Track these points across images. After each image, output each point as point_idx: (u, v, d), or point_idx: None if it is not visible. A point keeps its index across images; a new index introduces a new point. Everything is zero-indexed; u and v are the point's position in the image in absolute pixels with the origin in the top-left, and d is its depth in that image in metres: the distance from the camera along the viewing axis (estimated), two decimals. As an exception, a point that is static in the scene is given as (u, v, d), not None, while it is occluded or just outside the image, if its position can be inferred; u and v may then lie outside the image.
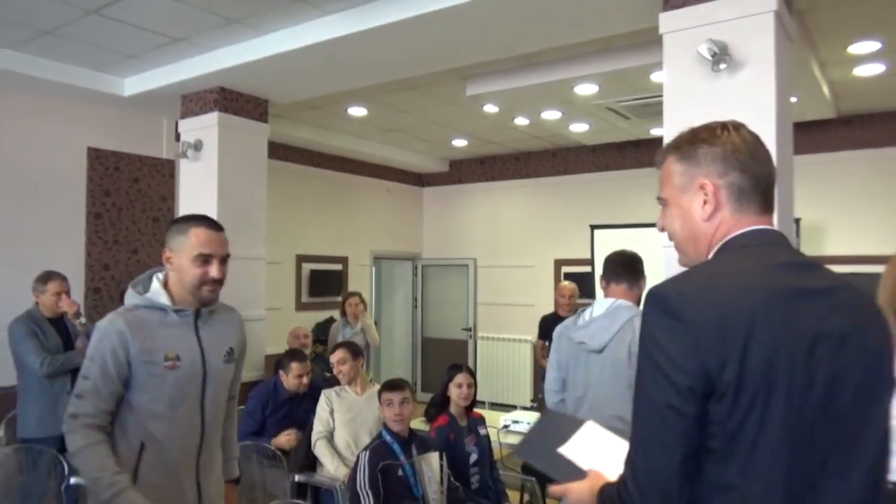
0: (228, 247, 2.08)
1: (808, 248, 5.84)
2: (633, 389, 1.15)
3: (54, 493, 3.58)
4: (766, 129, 2.90)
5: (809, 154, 5.94)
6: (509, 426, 4.28)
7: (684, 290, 1.11)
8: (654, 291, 1.13)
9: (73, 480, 3.59)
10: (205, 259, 2.00)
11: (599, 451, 1.39)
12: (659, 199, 1.31)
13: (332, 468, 3.59)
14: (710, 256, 1.21)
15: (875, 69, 4.94)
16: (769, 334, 1.05)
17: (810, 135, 6.04)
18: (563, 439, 1.43)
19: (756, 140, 1.22)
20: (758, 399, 1.04)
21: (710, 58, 2.92)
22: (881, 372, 1.12)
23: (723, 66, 2.93)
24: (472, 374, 3.67)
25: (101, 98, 5.29)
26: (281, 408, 4.08)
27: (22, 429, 3.77)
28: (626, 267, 2.91)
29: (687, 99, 3.10)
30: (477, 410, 3.74)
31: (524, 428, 4.14)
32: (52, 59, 4.80)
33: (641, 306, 1.16)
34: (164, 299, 2.01)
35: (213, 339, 2.08)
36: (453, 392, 3.55)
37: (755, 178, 1.19)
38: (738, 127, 1.23)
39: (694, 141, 1.24)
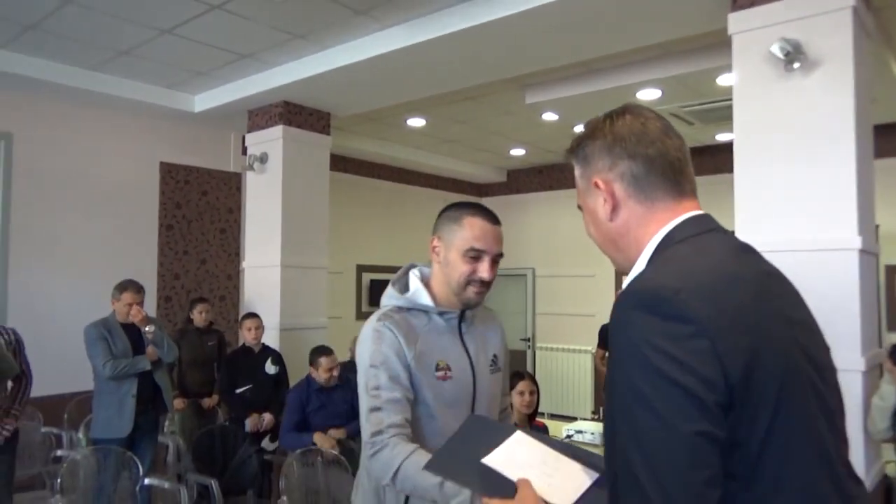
0: (503, 244, 1.78)
1: (888, 256, 5.56)
2: (619, 419, 0.90)
3: (129, 492, 3.71)
4: (845, 130, 2.79)
5: (889, 158, 5.67)
6: (572, 436, 4.21)
7: (678, 286, 0.89)
8: (638, 292, 0.93)
9: (147, 481, 3.72)
10: (476, 255, 1.72)
11: (531, 462, 1.21)
12: (579, 207, 1.21)
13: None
14: (647, 253, 1.05)
15: (960, 67, 4.68)
16: (772, 325, 0.93)
17: (890, 137, 5.76)
18: (489, 448, 1.24)
19: (644, 119, 1.08)
20: (781, 406, 0.88)
21: (782, 57, 2.82)
22: (829, 358, 1.03)
23: (796, 65, 2.83)
24: (535, 381, 3.64)
25: (172, 114, 5.52)
26: (316, 400, 4.18)
27: (93, 430, 3.93)
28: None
29: (758, 101, 3.01)
30: (539, 420, 3.70)
31: (588, 438, 4.07)
32: (128, 78, 5.04)
33: (616, 320, 0.93)
34: (426, 300, 1.77)
35: (478, 345, 1.83)
36: (516, 400, 3.52)
37: (647, 160, 1.05)
38: (623, 112, 1.10)
39: (581, 140, 1.15)
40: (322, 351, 4.31)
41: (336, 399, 4.25)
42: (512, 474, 1.16)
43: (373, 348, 1.67)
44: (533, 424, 3.56)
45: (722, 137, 6.46)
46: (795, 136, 2.91)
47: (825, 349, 1.03)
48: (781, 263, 1.09)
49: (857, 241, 2.73)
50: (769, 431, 0.88)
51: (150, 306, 5.42)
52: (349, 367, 4.74)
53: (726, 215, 3.53)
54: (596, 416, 6.95)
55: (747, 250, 1.05)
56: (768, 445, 0.88)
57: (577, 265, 8.25)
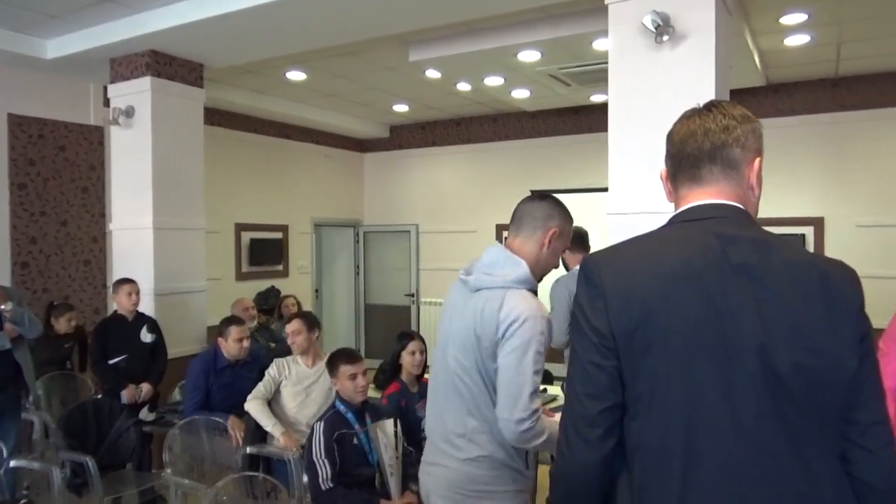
0: None
1: (738, 212, 6.09)
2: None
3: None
4: (706, 98, 3.00)
5: (740, 121, 6.17)
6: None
7: (604, 260, 1.26)
8: (584, 260, 1.29)
9: (13, 463, 3.48)
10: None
11: None
12: None
13: (269, 426, 3.56)
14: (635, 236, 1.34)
15: (801, 39, 5.14)
16: (672, 303, 1.16)
17: (741, 102, 6.18)
18: None
19: (698, 116, 1.29)
20: (658, 366, 1.15)
21: (653, 29, 2.99)
22: (808, 351, 1.12)
23: (665, 37, 3.00)
24: (423, 341, 3.71)
25: (21, 61, 4.97)
26: (222, 376, 4.03)
27: None
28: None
29: (631, 68, 3.17)
30: (426, 377, 3.80)
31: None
32: (-36, 18, 4.47)
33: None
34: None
35: None
36: (406, 360, 3.59)
37: (674, 158, 1.31)
38: (690, 113, 1.32)
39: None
40: (232, 320, 4.14)
41: (241, 378, 4.06)
42: None
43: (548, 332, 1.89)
44: (421, 382, 3.66)
45: (597, 98, 6.75)
46: (662, 104, 3.11)
47: (778, 344, 1.12)
48: (646, 225, 1.34)
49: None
50: (643, 379, 1.16)
51: (5, 274, 4.97)
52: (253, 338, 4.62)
53: (602, 173, 3.72)
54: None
55: (728, 240, 1.19)
56: (641, 390, 1.17)
57: (460, 221, 8.41)
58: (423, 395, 3.53)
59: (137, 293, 4.42)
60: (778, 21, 4.76)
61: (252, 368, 4.16)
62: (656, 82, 3.11)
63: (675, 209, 1.30)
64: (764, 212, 5.22)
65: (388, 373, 3.70)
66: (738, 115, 1.27)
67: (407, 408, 3.49)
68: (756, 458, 1.12)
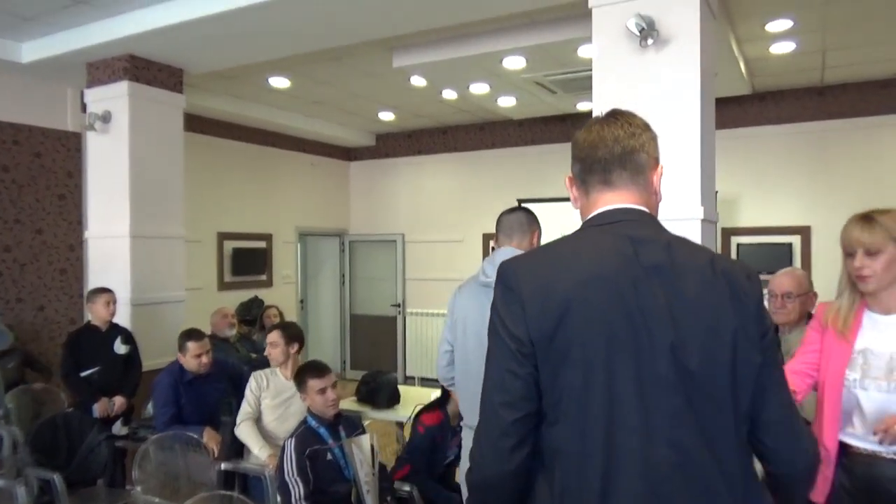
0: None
1: (724, 220, 6.07)
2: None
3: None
4: (691, 104, 2.95)
5: (726, 129, 6.15)
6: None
7: (520, 265, 1.25)
8: (500, 266, 1.27)
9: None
10: None
11: None
12: None
13: (256, 449, 3.47)
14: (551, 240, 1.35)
15: (787, 47, 5.12)
16: (589, 306, 1.16)
17: (727, 110, 6.24)
18: None
19: (605, 123, 1.31)
20: (577, 370, 1.15)
21: (637, 33, 2.93)
22: (715, 348, 1.17)
23: (650, 41, 2.95)
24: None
25: (-7, 64, 4.86)
26: (190, 389, 3.91)
27: None
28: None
29: (615, 73, 3.11)
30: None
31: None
32: (-65, 21, 4.36)
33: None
34: None
35: None
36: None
37: (583, 161, 1.32)
38: (595, 120, 1.35)
39: None
40: (190, 335, 3.96)
41: (208, 390, 3.95)
42: None
43: None
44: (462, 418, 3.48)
45: (583, 106, 6.71)
46: (647, 110, 3.01)
47: (691, 337, 1.17)
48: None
49: (699, 212, 2.92)
50: (562, 383, 1.16)
51: (-25, 283, 4.84)
52: (220, 349, 4.50)
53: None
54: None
55: (640, 242, 1.23)
56: (561, 394, 1.16)
57: (446, 230, 8.33)
58: (459, 430, 3.18)
59: (115, 303, 4.30)
60: (763, 28, 4.74)
61: (219, 378, 4.05)
62: (641, 87, 3.04)
63: (584, 214, 1.33)
64: (749, 220, 5.20)
65: (438, 401, 3.44)
66: (641, 124, 1.33)
67: (440, 444, 3.32)
68: (673, 457, 1.14)
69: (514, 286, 1.21)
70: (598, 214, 1.30)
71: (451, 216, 8.34)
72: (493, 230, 8.49)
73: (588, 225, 1.31)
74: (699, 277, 1.20)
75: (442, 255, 8.36)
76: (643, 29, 2.93)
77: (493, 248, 2.79)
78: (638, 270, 1.19)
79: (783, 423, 1.23)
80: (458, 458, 3.17)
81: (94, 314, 4.25)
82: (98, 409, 4.08)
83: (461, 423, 2.72)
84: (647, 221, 1.28)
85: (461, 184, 8.33)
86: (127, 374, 4.30)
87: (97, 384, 4.15)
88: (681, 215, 2.90)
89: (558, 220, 3.30)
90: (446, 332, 2.75)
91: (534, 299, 1.18)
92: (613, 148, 1.29)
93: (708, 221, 3.05)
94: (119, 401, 4.18)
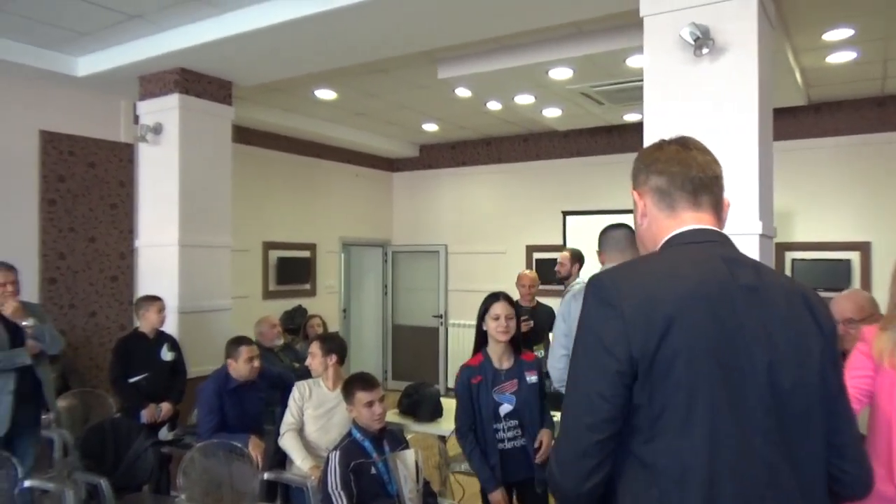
0: None
1: (778, 235, 5.83)
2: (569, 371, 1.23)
3: (6, 495, 3.40)
4: (749, 116, 2.85)
5: (780, 141, 5.94)
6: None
7: (618, 279, 1.21)
8: (593, 280, 1.24)
9: (27, 483, 3.42)
10: None
11: None
12: None
13: (299, 461, 3.46)
14: (649, 253, 1.33)
15: (846, 56, 4.94)
16: (691, 325, 1.14)
17: (781, 121, 6.00)
18: None
19: (685, 147, 1.32)
20: (681, 387, 1.12)
21: (692, 42, 2.84)
22: (804, 369, 1.20)
23: (705, 50, 2.86)
24: (513, 304, 3.07)
25: (52, 78, 5.02)
26: (233, 397, 3.92)
27: None
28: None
29: (668, 84, 3.03)
30: (532, 352, 3.23)
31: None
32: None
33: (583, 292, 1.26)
34: None
35: None
36: (490, 325, 2.99)
37: (673, 176, 1.29)
38: (672, 142, 1.35)
39: (633, 163, 1.39)
40: (241, 339, 4.00)
41: (252, 399, 3.98)
42: None
43: None
44: (519, 357, 3.08)
45: (630, 118, 6.59)
46: (701, 121, 2.95)
47: (784, 358, 1.18)
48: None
49: (758, 227, 2.81)
50: (664, 399, 1.12)
51: (33, 289, 4.98)
52: (264, 358, 4.52)
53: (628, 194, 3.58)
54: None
55: (734, 262, 1.24)
56: (661, 410, 1.13)
57: (489, 241, 8.28)
58: (517, 373, 3.00)
59: (164, 310, 4.38)
60: (821, 38, 4.58)
61: (263, 387, 4.07)
62: (695, 99, 2.95)
63: (659, 231, 1.31)
64: (806, 236, 4.99)
65: (477, 344, 3.10)
66: (713, 156, 1.35)
67: (479, 387, 2.94)
68: (768, 478, 1.14)
69: (615, 302, 1.17)
70: (688, 232, 1.28)
71: (495, 227, 8.28)
72: (536, 242, 8.38)
73: (677, 242, 1.28)
74: (787, 300, 1.23)
75: (484, 267, 8.30)
76: (698, 38, 2.84)
77: (602, 263, 2.91)
78: (735, 290, 1.19)
79: (859, 448, 1.27)
80: (518, 409, 2.93)
81: (145, 321, 4.31)
82: (146, 414, 4.13)
83: None
84: (730, 244, 1.30)
85: (504, 195, 8.27)
86: (173, 381, 4.36)
87: (144, 390, 4.21)
88: (739, 230, 2.78)
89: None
90: (562, 338, 2.99)
91: (637, 316, 1.15)
92: (705, 170, 1.30)
93: (766, 237, 2.93)
94: (166, 407, 4.24)
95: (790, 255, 6.34)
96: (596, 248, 2.97)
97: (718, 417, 1.13)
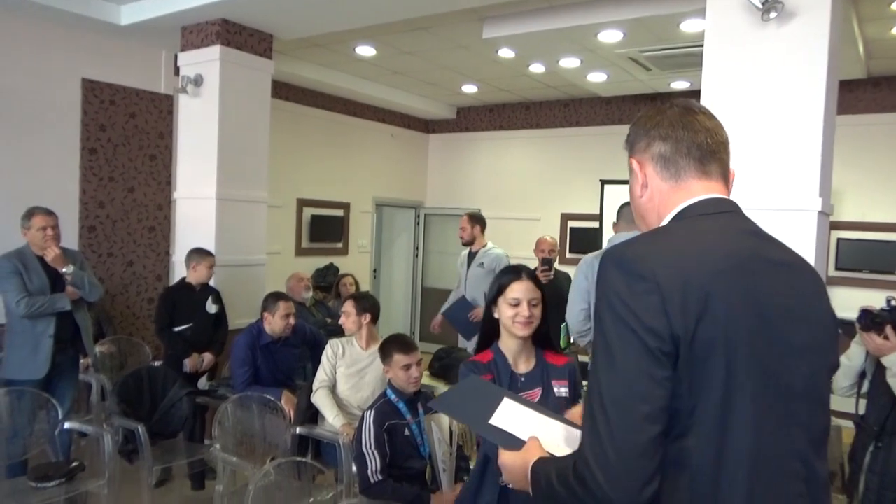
0: None
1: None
2: (593, 358, 1.06)
3: (47, 436, 3.48)
4: (815, 87, 2.71)
5: (843, 115, 5.72)
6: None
7: (646, 252, 1.06)
8: (614, 254, 1.07)
9: (67, 425, 3.50)
10: None
11: (525, 422, 1.32)
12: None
13: (331, 417, 3.49)
14: (664, 224, 1.18)
15: (915, 27, 4.68)
16: (728, 301, 1.02)
17: (844, 95, 5.79)
18: (488, 408, 1.36)
19: (689, 110, 1.19)
20: (719, 372, 1.00)
21: (759, 5, 2.69)
22: (824, 351, 1.12)
23: (773, 14, 2.70)
24: (539, 284, 2.15)
25: (95, 26, 5.00)
26: (266, 353, 3.98)
27: (5, 370, 3.64)
28: None
29: (730, 49, 2.88)
30: (563, 354, 2.27)
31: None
32: (43, -19, 4.49)
33: (600, 270, 1.09)
34: None
35: None
36: (506, 313, 2.09)
37: (678, 141, 1.16)
38: (674, 104, 1.21)
39: (631, 129, 1.26)
40: (279, 295, 4.07)
41: (283, 354, 4.02)
42: (520, 433, 1.26)
43: None
44: (542, 356, 2.19)
45: (677, 85, 6.38)
46: (765, 90, 2.81)
47: (814, 341, 1.10)
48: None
49: (817, 203, 2.69)
50: (700, 387, 0.99)
51: (73, 236, 5.05)
52: (298, 313, 4.54)
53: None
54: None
55: (757, 235, 1.14)
56: (696, 400, 0.99)
57: (524, 208, 8.17)
58: (540, 378, 2.13)
59: (214, 266, 4.42)
60: (890, 6, 4.33)
61: (295, 343, 4.10)
62: (758, 66, 2.80)
63: (665, 201, 1.17)
64: (853, 214, 4.80)
65: (484, 336, 2.22)
66: (719, 120, 1.22)
67: None
68: (803, 472, 1.07)
69: (647, 274, 1.01)
70: (702, 202, 1.15)
71: (530, 194, 8.17)
72: (571, 210, 8.25)
73: (691, 214, 1.14)
74: (809, 276, 1.15)
75: (518, 233, 8.19)
76: (766, 1, 2.69)
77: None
78: (765, 265, 1.08)
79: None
80: None
81: (195, 274, 4.34)
82: (189, 363, 4.21)
83: None
84: (745, 216, 1.17)
85: (541, 161, 8.12)
86: (216, 333, 4.42)
87: (189, 340, 4.28)
88: (797, 206, 2.67)
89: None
90: (584, 293, 3.33)
91: (674, 290, 1.00)
92: (711, 136, 1.17)
93: (823, 214, 2.80)
94: (208, 357, 4.32)
95: (835, 234, 6.13)
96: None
97: (757, 407, 1.01)
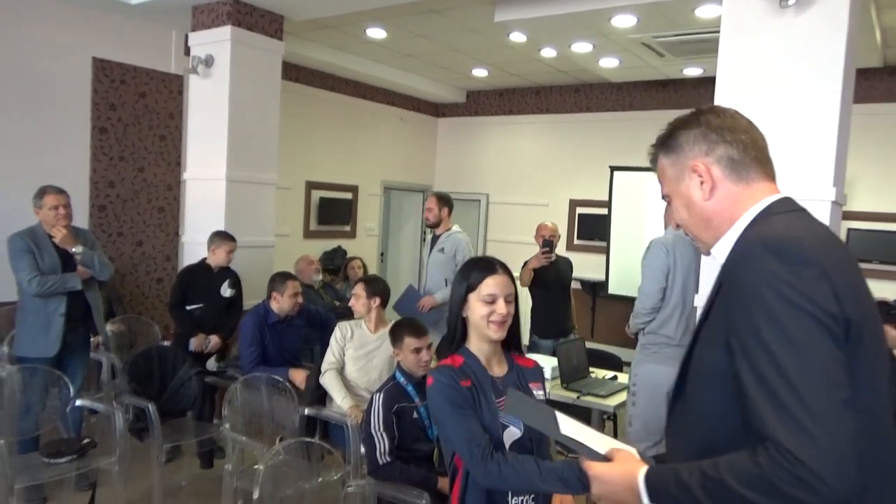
0: None
1: (837, 203, 5.63)
2: (745, 355, 1.02)
3: (58, 413, 3.52)
4: (833, 75, 2.68)
5: (860, 104, 5.66)
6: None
7: (799, 236, 1.06)
8: (765, 240, 1.06)
9: (78, 402, 3.54)
10: None
11: (586, 435, 1.31)
12: (663, 197, 1.33)
13: (339, 399, 3.52)
14: (741, 225, 1.18)
15: (934, 15, 4.62)
16: (860, 287, 1.09)
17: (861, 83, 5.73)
18: (552, 419, 1.35)
19: (732, 113, 1.23)
20: (868, 357, 1.05)
21: (778, -9, 2.65)
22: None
23: (791, 0, 2.66)
24: (512, 277, 1.90)
25: (106, 5, 4.98)
26: (273, 333, 4.01)
27: (17, 347, 3.68)
28: None
29: (747, 35, 2.85)
30: (528, 356, 2.06)
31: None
32: (55, -42, 4.47)
33: (745, 258, 1.07)
34: None
35: None
36: (478, 312, 1.82)
37: (742, 145, 1.19)
38: (710, 109, 1.25)
39: (672, 131, 1.27)
40: (287, 275, 4.12)
41: (290, 335, 4.06)
42: (597, 446, 1.25)
43: None
44: (513, 360, 1.96)
45: (689, 72, 6.32)
46: (782, 77, 2.78)
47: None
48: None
49: (831, 193, 2.67)
50: (855, 372, 1.00)
51: (83, 216, 5.07)
52: (305, 295, 4.57)
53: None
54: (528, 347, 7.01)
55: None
56: (855, 378, 0.99)
57: (532, 193, 8.15)
58: (515, 386, 1.88)
59: (234, 252, 4.43)
60: (910, -7, 4.27)
61: (301, 324, 4.14)
62: (776, 53, 2.77)
63: (735, 205, 1.19)
64: (864, 205, 4.75)
65: (450, 339, 1.90)
66: None
67: (475, 393, 1.79)
68: None
69: (811, 260, 1.01)
70: (780, 201, 1.18)
71: (539, 179, 8.14)
72: (580, 196, 8.20)
73: (778, 210, 1.17)
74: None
75: (526, 219, 8.16)
76: (784, -13, 2.65)
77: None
78: (853, 257, 1.16)
79: None
80: (524, 437, 1.79)
81: (214, 256, 4.35)
82: (194, 342, 4.23)
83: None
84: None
85: (551, 147, 8.09)
86: (227, 317, 4.43)
87: (197, 320, 4.30)
88: (812, 196, 2.65)
89: (652, 190, 3.11)
90: (662, 271, 3.44)
91: (836, 275, 1.01)
92: (763, 139, 1.23)
93: (837, 204, 2.79)
94: (214, 339, 4.32)
95: (846, 224, 6.09)
96: (642, 205, 2.98)
97: (885, 388, 1.08)
